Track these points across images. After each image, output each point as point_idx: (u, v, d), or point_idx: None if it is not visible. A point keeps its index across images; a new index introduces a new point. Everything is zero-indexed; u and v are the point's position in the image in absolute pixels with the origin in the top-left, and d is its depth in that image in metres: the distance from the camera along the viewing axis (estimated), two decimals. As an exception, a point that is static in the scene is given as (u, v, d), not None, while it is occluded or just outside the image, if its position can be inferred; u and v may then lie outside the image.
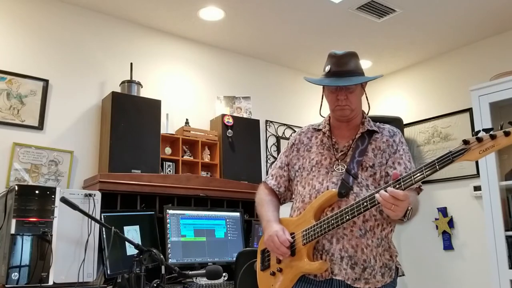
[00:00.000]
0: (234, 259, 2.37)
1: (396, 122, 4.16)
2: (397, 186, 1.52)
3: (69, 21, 3.35)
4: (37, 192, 2.34)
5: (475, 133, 1.44)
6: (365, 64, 4.50)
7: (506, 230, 3.21)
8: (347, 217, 1.60)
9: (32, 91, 3.07)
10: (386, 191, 1.50)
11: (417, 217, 4.82)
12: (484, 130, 1.43)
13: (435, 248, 4.09)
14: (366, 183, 1.73)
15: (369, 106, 1.91)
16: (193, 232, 3.01)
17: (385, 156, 1.77)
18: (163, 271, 2.01)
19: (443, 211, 4.04)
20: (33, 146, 2.99)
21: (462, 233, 3.93)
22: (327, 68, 1.79)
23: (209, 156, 3.65)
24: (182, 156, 3.52)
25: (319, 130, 1.91)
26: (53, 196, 2.37)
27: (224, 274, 2.73)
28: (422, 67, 4.47)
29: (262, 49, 4.18)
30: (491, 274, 3.24)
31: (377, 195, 1.52)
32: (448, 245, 3.99)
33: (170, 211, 2.96)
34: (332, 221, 1.63)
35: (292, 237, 1.74)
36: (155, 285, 2.13)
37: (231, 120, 3.70)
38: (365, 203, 1.57)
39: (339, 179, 1.73)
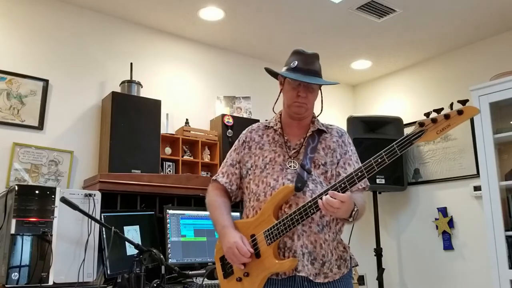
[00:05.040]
0: (234, 259, 2.36)
1: (396, 122, 4.16)
2: (344, 185, 1.56)
3: (69, 21, 3.35)
4: (37, 192, 2.34)
5: (426, 114, 1.49)
6: (365, 64, 4.51)
7: (506, 230, 3.21)
8: (311, 211, 1.60)
9: (32, 91, 3.07)
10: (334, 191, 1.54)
11: (417, 217, 4.77)
12: (435, 111, 1.48)
13: (435, 248, 4.09)
14: (319, 180, 1.75)
15: (322, 109, 1.90)
16: (193, 232, 3.00)
17: (336, 155, 1.81)
18: (163, 271, 2.02)
19: (443, 211, 4.04)
20: (33, 146, 2.99)
21: (462, 233, 3.93)
22: (294, 63, 1.78)
23: (209, 156, 3.65)
24: (182, 156, 3.52)
25: (270, 127, 1.92)
26: (53, 196, 2.37)
27: (224, 274, 2.72)
28: (422, 67, 4.47)
29: (262, 49, 4.18)
30: (491, 274, 3.24)
31: (320, 201, 1.55)
32: (448, 245, 3.99)
33: (170, 211, 2.96)
34: (297, 217, 1.62)
35: (254, 240, 1.71)
36: (155, 285, 2.13)
37: (231, 120, 3.70)
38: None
39: (294, 176, 1.74)
